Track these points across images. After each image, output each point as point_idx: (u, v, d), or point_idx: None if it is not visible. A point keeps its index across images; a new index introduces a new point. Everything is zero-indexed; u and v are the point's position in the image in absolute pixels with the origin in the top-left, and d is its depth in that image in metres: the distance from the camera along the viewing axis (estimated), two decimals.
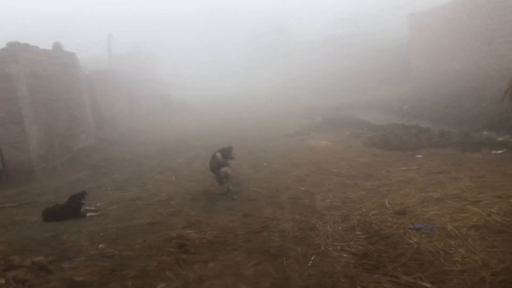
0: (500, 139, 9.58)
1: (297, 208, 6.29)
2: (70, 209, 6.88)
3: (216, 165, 7.27)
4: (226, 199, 7.12)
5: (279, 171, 8.86)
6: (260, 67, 38.65)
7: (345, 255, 4.60)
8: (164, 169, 10.24)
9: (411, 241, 4.67)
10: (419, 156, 8.93)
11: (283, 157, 10.15)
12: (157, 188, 8.38)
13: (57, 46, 14.14)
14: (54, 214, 6.83)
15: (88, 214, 6.94)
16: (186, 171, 9.74)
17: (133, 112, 22.46)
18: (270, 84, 34.07)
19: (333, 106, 20.15)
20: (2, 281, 4.35)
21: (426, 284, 3.81)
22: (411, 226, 5.04)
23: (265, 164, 9.68)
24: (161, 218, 6.40)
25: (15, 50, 10.35)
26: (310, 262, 4.51)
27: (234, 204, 6.84)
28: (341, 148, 10.37)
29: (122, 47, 26.47)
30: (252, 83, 37.02)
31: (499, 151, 8.52)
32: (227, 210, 6.55)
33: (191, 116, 22.62)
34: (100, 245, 5.39)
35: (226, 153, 7.46)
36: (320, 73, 29.30)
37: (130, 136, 16.65)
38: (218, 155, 7.23)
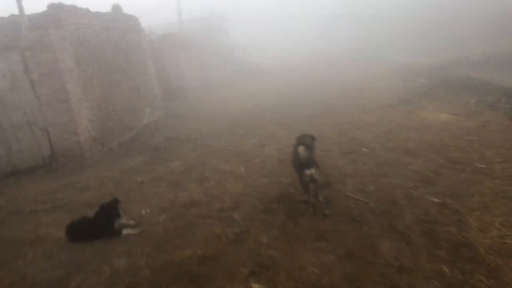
0: None
1: (439, 247, 3.73)
2: (100, 225, 5.04)
3: (299, 164, 4.88)
4: (314, 214, 4.77)
5: (388, 163, 6.21)
6: (344, 26, 34.55)
7: None
8: (233, 154, 8.12)
9: None
10: None
11: (389, 139, 7.41)
12: (220, 187, 6.28)
13: (116, 8, 12.43)
14: (80, 230, 5.06)
15: (124, 231, 5.07)
16: (259, 159, 7.50)
17: (205, 79, 20.72)
18: (355, 42, 30.15)
19: (436, 65, 16.32)
20: None
21: None
22: None
23: (364, 150, 7.06)
24: (218, 249, 4.28)
25: (57, 13, 8.68)
26: None
27: (326, 225, 4.46)
28: (474, 126, 7.30)
29: (196, 10, 24.65)
30: (336, 42, 33.28)
31: None
32: (317, 239, 4.21)
33: (268, 83, 20.22)
34: None
35: (308, 144, 5.06)
36: (413, 23, 24.75)
37: (200, 108, 14.83)
38: (302, 150, 4.80)
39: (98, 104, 9.78)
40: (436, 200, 4.66)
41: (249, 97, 15.80)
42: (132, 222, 5.31)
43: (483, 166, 5.34)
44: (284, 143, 8.35)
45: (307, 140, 5.14)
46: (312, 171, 4.72)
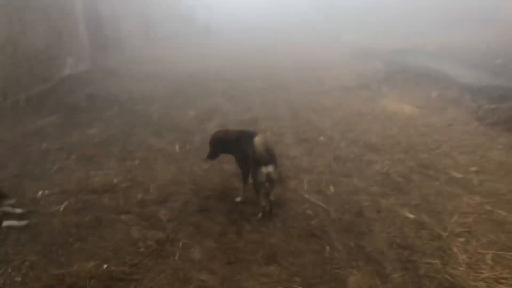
0: None
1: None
2: None
3: (252, 158, 3.75)
4: (262, 220, 3.75)
5: (349, 159, 5.33)
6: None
7: None
8: (167, 127, 6.82)
9: None
10: None
11: (348, 128, 6.54)
12: (147, 170, 5.02)
13: None
14: None
15: (5, 222, 3.70)
16: (198, 136, 6.29)
17: (147, 35, 18.63)
18: (308, 12, 29.08)
19: (393, 49, 15.80)
20: None
21: None
22: None
23: (321, 138, 6.12)
24: (131, 264, 3.11)
25: None
26: None
27: (278, 239, 3.45)
28: (441, 123, 6.63)
29: None
30: (289, 16, 31.91)
31: None
32: (267, 260, 3.18)
33: (217, 45, 18.63)
34: None
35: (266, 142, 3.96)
36: (370, 3, 24.17)
37: (136, 65, 13.07)
38: (259, 142, 3.66)
39: (2, 46, 7.85)
40: (411, 215, 3.82)
41: (195, 60, 14.26)
42: (18, 210, 3.92)
43: (459, 176, 4.60)
44: (229, 119, 7.19)
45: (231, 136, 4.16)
46: (270, 169, 3.64)
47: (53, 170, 5.00)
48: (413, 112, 7.31)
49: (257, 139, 3.64)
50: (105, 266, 3.08)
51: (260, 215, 3.82)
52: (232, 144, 4.10)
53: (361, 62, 13.18)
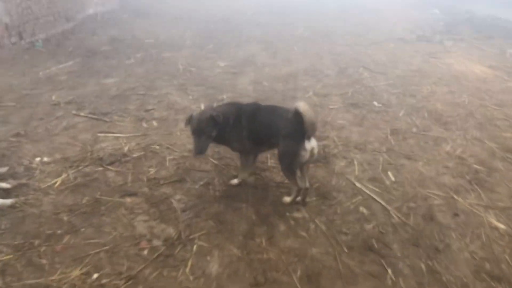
0: None
1: None
2: None
3: (287, 132, 2.85)
4: (303, 205, 2.94)
5: (411, 133, 4.33)
6: None
7: None
8: (193, 80, 5.95)
9: None
10: None
11: (407, 91, 5.46)
12: (165, 135, 4.23)
13: None
14: None
15: None
16: (227, 94, 5.40)
17: None
18: None
19: None
20: None
21: None
22: None
23: (375, 104, 5.09)
24: (127, 277, 2.38)
25: None
26: None
27: (324, 252, 2.62)
28: None
29: None
30: None
31: None
32: (308, 286, 2.36)
33: None
34: None
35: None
36: None
37: (167, 6, 11.99)
38: (305, 106, 2.74)
39: None
40: (501, 225, 2.87)
41: (230, 1, 12.98)
42: (4, 184, 3.25)
43: None
44: (264, 74, 6.21)
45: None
46: (313, 143, 2.78)
47: (58, 129, 4.29)
48: (486, 74, 6.04)
49: (302, 105, 2.76)
50: (95, 276, 2.37)
51: (289, 199, 3.02)
52: (235, 123, 2.98)
53: (417, 9, 11.53)
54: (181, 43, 7.89)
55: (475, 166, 3.65)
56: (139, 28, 9.11)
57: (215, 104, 3.78)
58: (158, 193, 3.20)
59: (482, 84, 5.64)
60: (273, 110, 3.07)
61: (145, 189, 3.24)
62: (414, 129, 4.42)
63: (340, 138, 4.19)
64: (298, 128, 2.77)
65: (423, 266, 2.50)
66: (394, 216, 2.97)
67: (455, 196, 3.21)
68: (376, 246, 2.66)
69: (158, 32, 8.73)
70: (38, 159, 3.68)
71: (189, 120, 2.95)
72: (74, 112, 4.74)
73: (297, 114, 2.75)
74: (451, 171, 3.58)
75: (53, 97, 5.20)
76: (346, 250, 2.62)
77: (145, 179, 3.39)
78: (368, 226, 2.85)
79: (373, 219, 2.94)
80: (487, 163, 3.69)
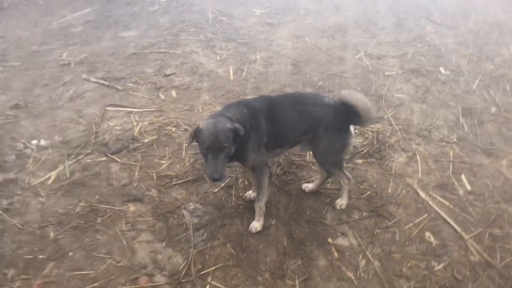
0: None
1: None
2: None
3: (338, 120, 2.21)
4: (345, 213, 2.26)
5: (490, 115, 3.43)
6: None
7: None
8: (224, 34, 5.11)
9: None
10: None
11: (483, 53, 4.45)
12: (184, 111, 3.54)
13: None
14: None
15: None
16: (262, 53, 4.56)
17: None
18: None
19: None
20: None
21: None
22: None
23: (442, 71, 4.12)
24: None
25: None
26: None
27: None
28: None
29: None
30: None
31: None
32: None
33: None
34: None
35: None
36: None
37: None
38: (355, 94, 2.11)
39: None
40: None
41: None
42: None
43: None
44: (308, 26, 5.26)
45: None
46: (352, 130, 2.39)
47: (63, 100, 3.70)
48: None
49: (352, 93, 2.30)
50: None
51: (345, 202, 2.50)
52: (252, 129, 2.17)
53: None
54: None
55: None
56: None
57: (218, 108, 3.04)
58: (168, 199, 2.59)
59: None
60: (299, 101, 2.37)
61: (153, 192, 2.64)
62: (493, 109, 3.49)
63: (398, 120, 3.35)
64: (342, 115, 2.25)
65: None
66: (473, 250, 2.22)
67: None
68: None
69: None
70: (34, 141, 3.14)
71: (195, 135, 2.08)
72: (84, 76, 4.10)
73: (344, 103, 2.23)
74: None
75: (64, 55, 4.57)
76: None
77: (154, 176, 2.78)
78: (438, 267, 2.14)
79: (444, 253, 2.21)
80: None
